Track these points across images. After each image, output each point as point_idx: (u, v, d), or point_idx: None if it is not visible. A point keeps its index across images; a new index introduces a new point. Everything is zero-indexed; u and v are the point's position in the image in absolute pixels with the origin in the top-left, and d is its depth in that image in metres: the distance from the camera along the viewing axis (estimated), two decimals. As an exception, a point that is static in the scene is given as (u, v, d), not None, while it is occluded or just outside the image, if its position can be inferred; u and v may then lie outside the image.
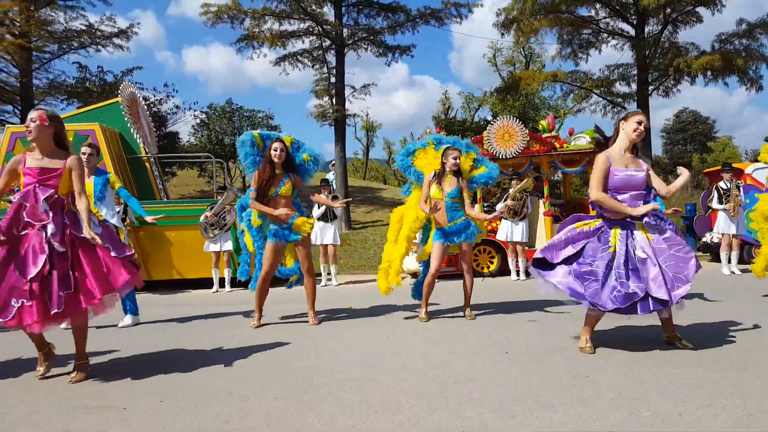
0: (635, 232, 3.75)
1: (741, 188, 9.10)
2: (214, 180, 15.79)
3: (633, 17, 16.86)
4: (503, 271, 9.49)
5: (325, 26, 15.29)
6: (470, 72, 74.38)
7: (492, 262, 9.64)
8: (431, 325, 5.20)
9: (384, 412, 2.80)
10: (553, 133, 9.78)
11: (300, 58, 16.30)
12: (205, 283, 9.21)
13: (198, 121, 19.99)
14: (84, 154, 5.27)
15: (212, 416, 2.78)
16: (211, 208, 8.84)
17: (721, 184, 8.94)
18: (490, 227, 9.40)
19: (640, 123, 3.78)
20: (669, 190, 3.79)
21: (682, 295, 3.60)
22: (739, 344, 3.95)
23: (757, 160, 7.65)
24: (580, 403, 2.81)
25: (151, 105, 18.42)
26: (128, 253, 3.65)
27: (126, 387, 3.35)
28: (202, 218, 8.76)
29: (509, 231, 9.02)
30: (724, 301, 6.08)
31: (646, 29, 16.95)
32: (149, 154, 10.60)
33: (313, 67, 16.65)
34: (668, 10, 16.20)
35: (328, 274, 9.38)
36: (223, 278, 9.03)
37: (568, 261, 3.84)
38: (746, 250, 9.97)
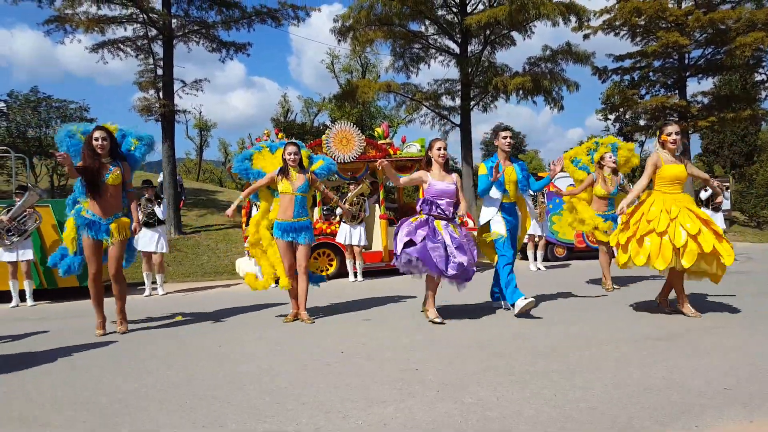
0: (449, 226, 5.01)
1: (545, 195, 10.38)
2: (14, 178, 13.63)
3: (458, 36, 18.35)
4: (342, 273, 9.60)
5: (150, 14, 14.06)
6: (309, 77, 74.87)
7: (331, 265, 9.71)
8: (267, 330, 5.01)
9: (210, 426, 2.59)
10: (388, 140, 10.19)
11: (122, 47, 14.77)
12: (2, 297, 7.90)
13: (-6, 110, 17.12)
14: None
15: None
16: (8, 211, 7.55)
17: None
18: (329, 230, 9.50)
19: (439, 149, 5.18)
20: (464, 210, 5.15)
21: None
22: (553, 336, 4.44)
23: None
24: (409, 396, 2.90)
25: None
26: None
27: None
28: (-5, 222, 7.43)
29: (348, 234, 9.16)
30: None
31: (469, 48, 18.58)
32: None
33: (137, 57, 15.21)
34: (488, 32, 17.94)
35: (153, 282, 8.58)
36: (24, 291, 7.79)
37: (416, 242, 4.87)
38: (549, 249, 11.41)
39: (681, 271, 4.76)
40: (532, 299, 5.08)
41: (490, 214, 5.42)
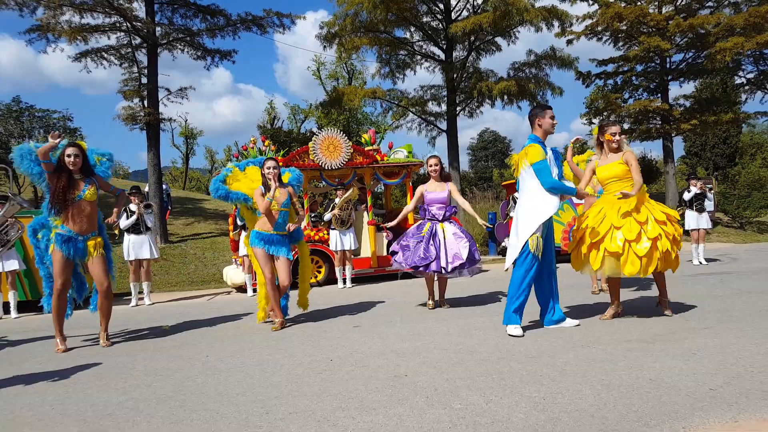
0: (437, 225, 6.03)
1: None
2: (-4, 189, 13.49)
3: (443, 42, 18.48)
4: (330, 280, 9.56)
5: (134, 23, 13.99)
6: (296, 84, 74.80)
7: (319, 272, 9.67)
8: (256, 339, 4.97)
9: (198, 439, 2.56)
10: (375, 147, 10.21)
11: (105, 55, 14.69)
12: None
13: (-26, 121, 16.86)
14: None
15: None
16: (-11, 222, 7.43)
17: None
18: (317, 237, 9.46)
19: (431, 165, 6.17)
20: (464, 207, 6.13)
21: (456, 266, 5.76)
22: (541, 340, 4.46)
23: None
24: (399, 403, 2.89)
25: None
26: None
27: None
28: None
29: (338, 240, 9.14)
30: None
31: (454, 54, 18.71)
32: None
33: (121, 65, 15.11)
34: (472, 38, 18.09)
35: (140, 293, 8.47)
36: (8, 303, 7.65)
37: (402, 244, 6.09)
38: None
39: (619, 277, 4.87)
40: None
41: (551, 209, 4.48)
